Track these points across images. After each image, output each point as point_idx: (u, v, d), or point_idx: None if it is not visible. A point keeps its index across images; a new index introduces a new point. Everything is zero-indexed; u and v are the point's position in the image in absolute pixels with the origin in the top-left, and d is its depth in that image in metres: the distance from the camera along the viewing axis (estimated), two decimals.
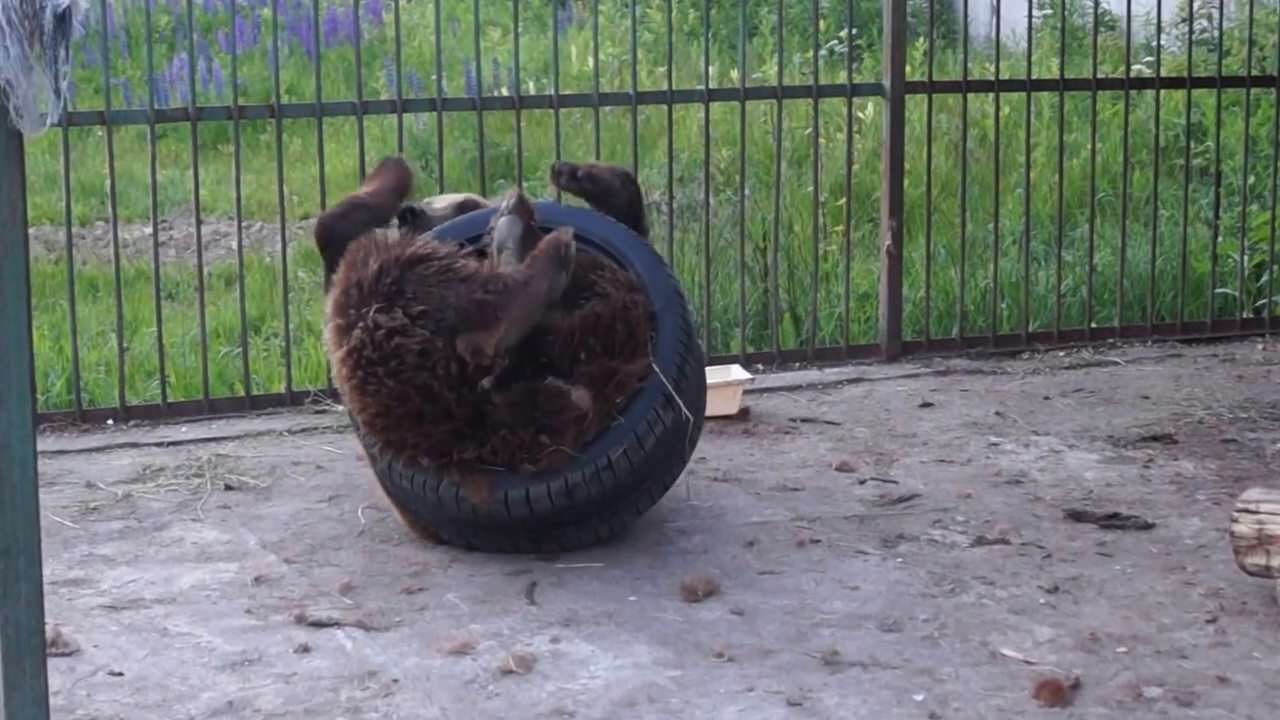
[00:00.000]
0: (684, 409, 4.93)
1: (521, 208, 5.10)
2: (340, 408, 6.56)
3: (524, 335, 4.84)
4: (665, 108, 7.28)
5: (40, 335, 7.65)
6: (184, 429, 6.40)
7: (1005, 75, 8.26)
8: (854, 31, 7.99)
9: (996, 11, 7.69)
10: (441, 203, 5.47)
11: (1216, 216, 8.05)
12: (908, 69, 7.53)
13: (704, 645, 4.31)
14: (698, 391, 5.13)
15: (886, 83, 7.31)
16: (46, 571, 4.60)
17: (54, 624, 4.25)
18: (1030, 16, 7.83)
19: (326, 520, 5.34)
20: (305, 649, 4.30)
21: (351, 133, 11.16)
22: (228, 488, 5.68)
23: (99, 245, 10.35)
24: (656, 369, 4.91)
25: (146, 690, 4.08)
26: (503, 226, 5.07)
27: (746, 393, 6.54)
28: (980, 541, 5.06)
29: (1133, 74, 8.17)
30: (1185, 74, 8.00)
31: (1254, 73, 8.12)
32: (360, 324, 4.77)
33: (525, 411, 4.81)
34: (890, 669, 4.16)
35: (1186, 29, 8.40)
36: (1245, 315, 7.89)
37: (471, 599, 4.64)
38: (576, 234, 5.10)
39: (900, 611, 4.52)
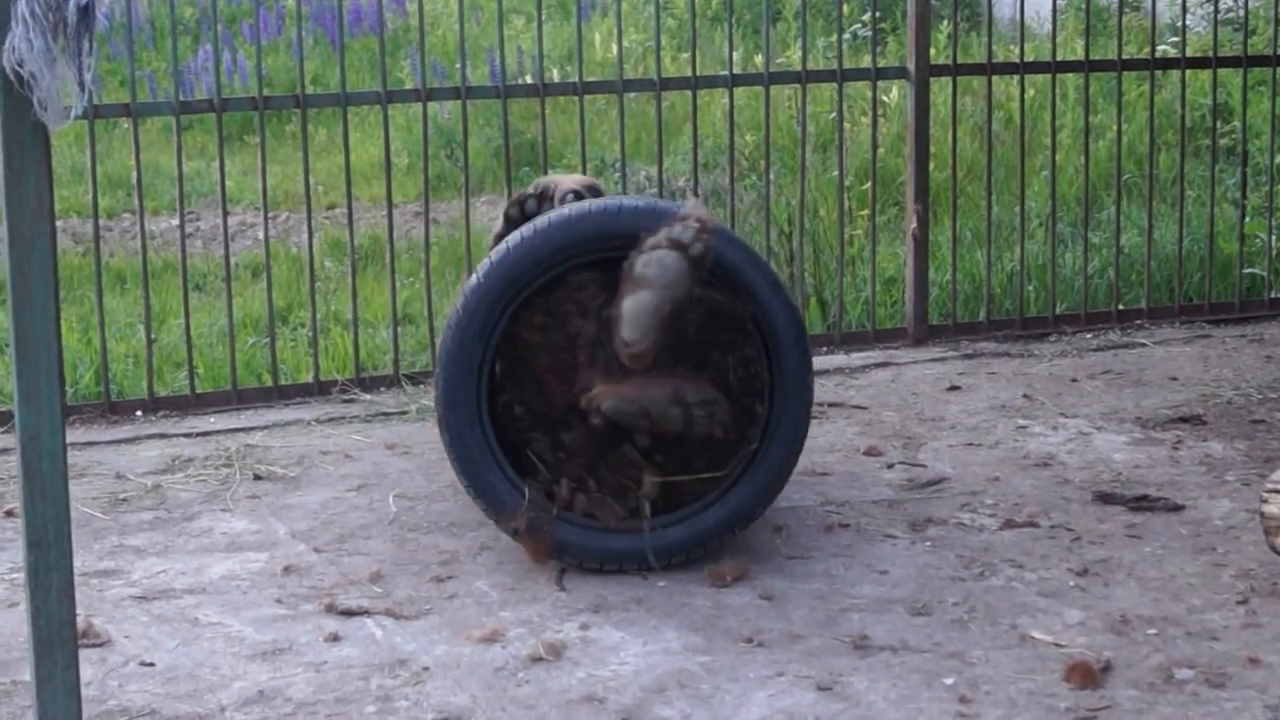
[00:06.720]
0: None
1: (701, 241, 4.43)
2: (368, 397, 6.59)
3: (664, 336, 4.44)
4: (689, 93, 7.27)
5: (69, 327, 7.67)
6: (212, 419, 6.42)
7: (1030, 57, 8.22)
8: (878, 15, 7.97)
9: None
10: (570, 181, 5.13)
11: (1244, 196, 8.02)
12: (932, 52, 7.50)
13: (733, 630, 4.31)
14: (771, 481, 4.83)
15: (911, 66, 7.30)
16: (77, 563, 4.64)
17: (85, 615, 4.26)
18: None
19: (355, 509, 5.35)
20: (335, 638, 4.31)
21: (376, 122, 11.18)
22: (256, 478, 5.69)
23: (126, 237, 10.39)
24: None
25: (178, 680, 4.09)
26: (657, 263, 4.45)
27: None
28: (1009, 524, 5.05)
29: (1158, 54, 8.13)
30: (1211, 54, 7.97)
31: (1279, 52, 8.08)
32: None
33: (597, 459, 4.69)
34: (920, 653, 4.15)
35: (1211, 8, 8.34)
36: (1273, 295, 7.87)
37: (501, 586, 4.65)
38: (733, 283, 4.67)
39: (929, 595, 4.52)
